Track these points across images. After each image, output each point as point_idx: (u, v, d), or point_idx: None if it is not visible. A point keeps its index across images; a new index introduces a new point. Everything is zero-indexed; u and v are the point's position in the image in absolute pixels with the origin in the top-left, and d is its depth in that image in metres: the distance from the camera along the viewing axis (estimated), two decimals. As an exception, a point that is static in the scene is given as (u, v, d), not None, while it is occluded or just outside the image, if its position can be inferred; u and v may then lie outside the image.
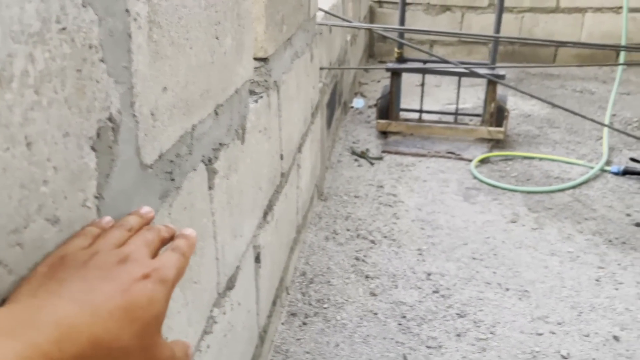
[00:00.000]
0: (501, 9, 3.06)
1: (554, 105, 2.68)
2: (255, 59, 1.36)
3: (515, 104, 4.19)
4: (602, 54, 5.23)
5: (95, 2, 0.57)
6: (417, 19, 5.47)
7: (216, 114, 1.01)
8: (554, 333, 1.75)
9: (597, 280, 2.03)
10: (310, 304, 1.85)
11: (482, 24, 5.38)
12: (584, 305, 1.89)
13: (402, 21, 3.24)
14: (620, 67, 3.29)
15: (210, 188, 1.00)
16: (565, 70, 5.23)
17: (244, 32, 1.15)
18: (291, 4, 1.64)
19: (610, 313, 1.85)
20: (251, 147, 1.26)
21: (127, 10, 0.64)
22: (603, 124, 2.77)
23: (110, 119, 0.62)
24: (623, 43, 3.23)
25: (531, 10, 5.31)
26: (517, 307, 1.87)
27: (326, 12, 2.46)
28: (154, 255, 0.46)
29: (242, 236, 1.24)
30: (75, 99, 0.55)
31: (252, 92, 1.35)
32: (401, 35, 3.31)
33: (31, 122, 0.48)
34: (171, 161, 0.82)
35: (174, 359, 0.43)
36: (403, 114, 3.61)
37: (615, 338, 1.73)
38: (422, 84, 3.46)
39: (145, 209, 0.54)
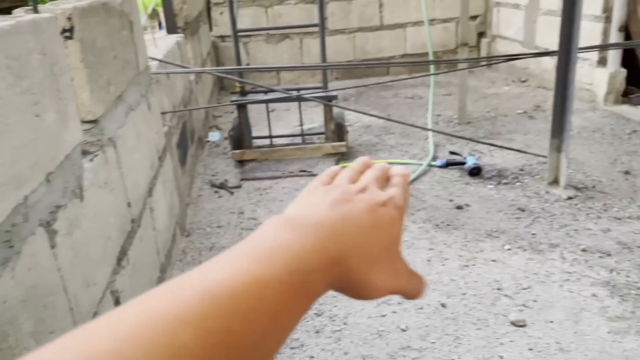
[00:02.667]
0: (323, 41, 3.43)
1: (378, 117, 3.08)
2: (85, 121, 1.50)
3: (356, 116, 4.64)
4: (427, 60, 5.93)
5: None
6: (260, 49, 5.80)
7: (48, 181, 1.14)
8: (395, 312, 2.06)
9: (428, 260, 2.41)
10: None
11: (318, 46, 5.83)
12: (419, 284, 2.24)
13: (238, 60, 3.48)
14: (432, 77, 3.83)
15: (52, 247, 1.12)
16: (398, 79, 5.85)
17: (66, 103, 1.29)
18: (116, 65, 1.79)
19: (439, 286, 2.22)
20: (92, 202, 1.39)
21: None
22: (424, 128, 3.24)
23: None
24: (430, 57, 3.77)
25: (360, 29, 5.89)
26: (366, 297, 2.16)
27: (160, 60, 2.62)
28: (381, 189, 0.51)
29: (96, 284, 1.36)
30: None
31: (86, 152, 1.48)
32: (240, 73, 3.55)
33: None
34: (8, 231, 0.95)
35: (411, 275, 0.48)
36: (256, 142, 3.85)
37: (443, 305, 2.09)
38: (268, 113, 3.73)
39: (364, 158, 0.58)
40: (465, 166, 3.30)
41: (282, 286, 0.34)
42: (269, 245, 0.36)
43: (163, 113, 2.54)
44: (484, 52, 6.09)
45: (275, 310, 0.33)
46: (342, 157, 3.66)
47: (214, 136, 4.27)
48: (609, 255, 2.37)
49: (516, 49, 5.51)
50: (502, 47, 5.81)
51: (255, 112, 4.96)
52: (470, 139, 3.25)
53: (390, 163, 3.03)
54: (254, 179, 3.42)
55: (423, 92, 5.34)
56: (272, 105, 5.16)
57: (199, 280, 0.32)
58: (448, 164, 3.38)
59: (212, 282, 0.31)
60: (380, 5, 5.80)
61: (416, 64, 4.98)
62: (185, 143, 3.25)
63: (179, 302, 0.30)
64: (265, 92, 3.66)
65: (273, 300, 0.33)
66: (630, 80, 4.33)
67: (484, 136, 3.95)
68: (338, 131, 3.63)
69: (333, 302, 2.13)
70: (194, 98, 3.82)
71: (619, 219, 2.68)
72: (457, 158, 3.43)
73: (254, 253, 0.35)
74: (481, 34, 6.13)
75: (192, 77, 3.85)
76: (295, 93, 3.48)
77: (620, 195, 2.92)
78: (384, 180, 0.51)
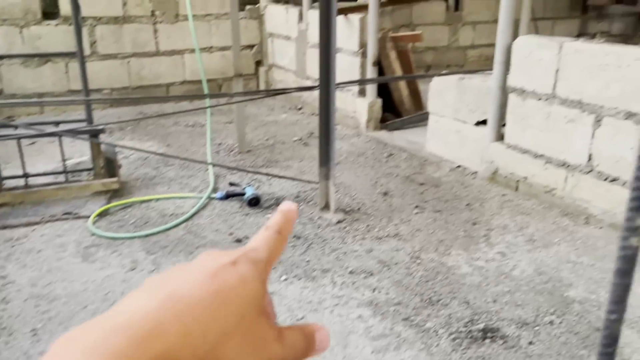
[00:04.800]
0: (84, 72, 3.14)
1: (153, 153, 2.92)
2: None
3: (133, 146, 4.37)
4: (209, 87, 5.90)
5: None
6: (17, 73, 5.12)
7: None
8: None
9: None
10: None
11: (89, 71, 5.39)
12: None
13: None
14: (208, 111, 3.80)
15: None
16: (178, 105, 5.70)
17: None
18: None
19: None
20: None
21: None
22: (203, 162, 3.18)
23: None
24: (204, 87, 3.74)
25: (134, 55, 5.60)
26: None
27: None
28: None
29: None
30: None
31: None
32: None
33: None
34: None
35: (288, 336, 0.37)
36: (8, 183, 3.35)
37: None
38: (20, 150, 3.27)
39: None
40: (245, 197, 3.33)
41: None
42: None
43: None
44: (262, 80, 6.31)
45: None
46: (115, 194, 3.39)
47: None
48: (371, 274, 2.59)
49: (290, 78, 5.83)
50: (279, 76, 6.09)
51: (11, 146, 4.34)
52: (248, 170, 3.29)
53: (169, 198, 2.88)
54: (4, 228, 2.94)
55: (204, 120, 5.28)
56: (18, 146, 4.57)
57: None
58: (228, 196, 3.38)
59: None
60: (155, 31, 5.61)
61: (189, 98, 4.91)
62: None
63: None
64: (15, 127, 3.20)
65: None
66: (386, 108, 4.90)
67: (263, 164, 4.06)
68: (109, 166, 3.36)
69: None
70: None
71: (380, 238, 2.96)
72: (237, 189, 3.44)
73: None
74: (259, 63, 6.34)
75: None
76: (53, 128, 3.11)
77: (381, 215, 3.24)
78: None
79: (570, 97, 3.03)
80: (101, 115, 5.31)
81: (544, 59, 3.12)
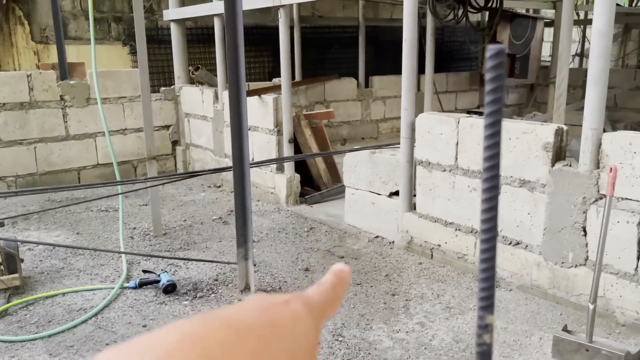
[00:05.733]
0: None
1: (58, 245, 2.76)
2: None
3: (39, 237, 4.11)
4: (123, 169, 5.74)
5: None
6: None
7: None
8: None
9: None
10: None
11: (-9, 159, 5.13)
12: None
13: None
14: (120, 197, 3.70)
15: None
16: (90, 191, 5.49)
17: None
18: None
19: None
20: None
21: None
22: (115, 251, 3.04)
23: None
24: (117, 176, 3.65)
25: (42, 140, 5.40)
26: None
27: None
28: None
29: None
30: None
31: None
32: None
33: None
34: None
35: None
36: None
37: None
38: None
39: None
40: (160, 284, 3.19)
41: None
42: None
43: None
44: (179, 160, 6.26)
45: None
46: (16, 291, 3.14)
47: None
48: None
49: (208, 157, 5.83)
50: (196, 155, 6.07)
51: None
52: (163, 256, 3.18)
53: (77, 291, 2.70)
54: None
55: (118, 204, 5.11)
56: None
57: None
58: (141, 284, 3.22)
59: None
60: (65, 115, 5.47)
61: (98, 186, 4.76)
62: None
63: None
64: None
65: None
66: (305, 182, 4.99)
67: (180, 247, 3.94)
68: (9, 262, 3.13)
69: None
70: None
71: (302, 317, 2.91)
72: (151, 277, 3.30)
73: None
74: (175, 142, 6.31)
75: None
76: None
77: (302, 293, 3.21)
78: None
79: (471, 168, 3.23)
80: (4, 204, 5.00)
81: (445, 134, 3.34)
